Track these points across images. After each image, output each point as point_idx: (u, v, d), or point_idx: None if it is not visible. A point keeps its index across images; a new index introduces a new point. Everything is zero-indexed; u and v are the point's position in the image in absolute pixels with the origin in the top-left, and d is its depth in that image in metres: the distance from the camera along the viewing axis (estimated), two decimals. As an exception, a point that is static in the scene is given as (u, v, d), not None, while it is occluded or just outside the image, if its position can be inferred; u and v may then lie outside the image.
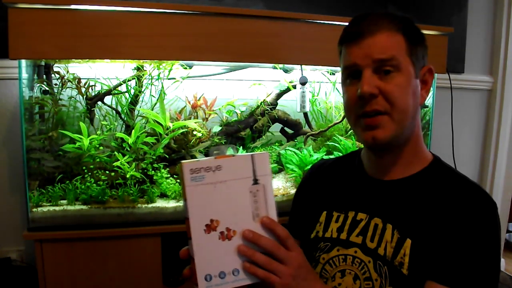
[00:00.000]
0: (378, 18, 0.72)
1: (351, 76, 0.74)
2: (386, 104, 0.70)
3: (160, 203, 1.38)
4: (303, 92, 1.60)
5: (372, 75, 0.70)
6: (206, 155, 1.53)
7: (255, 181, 0.60)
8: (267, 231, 0.60)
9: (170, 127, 1.42)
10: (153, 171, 1.40)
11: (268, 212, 0.61)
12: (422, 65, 0.75)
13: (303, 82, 1.58)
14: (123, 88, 1.46)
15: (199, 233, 0.58)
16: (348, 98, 0.75)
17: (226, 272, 0.58)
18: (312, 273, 0.65)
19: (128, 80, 1.45)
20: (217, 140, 1.55)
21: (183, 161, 0.57)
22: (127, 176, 1.35)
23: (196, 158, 1.50)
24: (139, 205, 1.35)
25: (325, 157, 1.55)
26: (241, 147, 1.59)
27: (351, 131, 1.67)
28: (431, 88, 1.75)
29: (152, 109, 1.47)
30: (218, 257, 0.58)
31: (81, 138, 1.33)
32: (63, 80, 1.40)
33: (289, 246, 0.60)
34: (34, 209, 1.28)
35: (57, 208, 1.29)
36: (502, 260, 2.34)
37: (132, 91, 1.46)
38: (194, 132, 1.49)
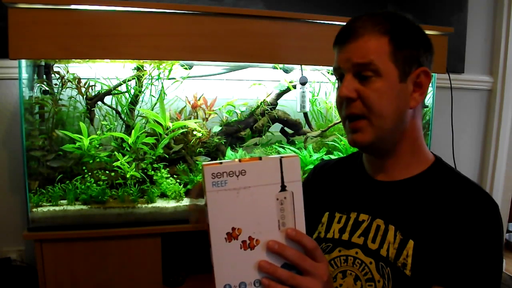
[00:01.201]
0: (366, 21, 0.72)
1: (339, 79, 0.77)
2: (363, 108, 0.71)
3: (160, 203, 1.38)
4: (303, 92, 1.60)
5: (352, 78, 0.72)
6: (207, 154, 1.53)
7: (283, 188, 0.55)
8: (294, 241, 0.56)
9: (170, 127, 1.42)
10: (153, 171, 1.40)
11: (296, 221, 0.56)
12: (413, 69, 0.73)
13: (303, 82, 1.58)
14: (123, 88, 1.46)
15: (219, 241, 0.54)
16: (336, 101, 0.78)
17: (247, 282, 0.55)
18: (332, 286, 0.63)
19: (128, 80, 1.45)
20: (217, 140, 1.55)
21: (205, 163, 0.54)
22: (127, 176, 1.35)
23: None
24: (139, 205, 1.35)
25: (325, 157, 1.55)
26: (240, 148, 1.59)
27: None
28: (430, 90, 1.76)
29: (152, 109, 1.47)
30: (239, 267, 0.55)
31: (81, 138, 1.33)
32: (63, 80, 1.40)
33: (317, 257, 0.57)
34: (34, 209, 1.28)
35: (57, 208, 1.29)
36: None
37: (132, 91, 1.46)
38: (194, 132, 1.49)
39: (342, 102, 0.74)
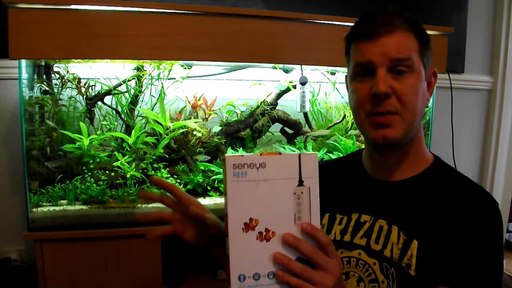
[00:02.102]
0: (393, 17, 0.71)
1: (362, 73, 0.73)
2: (398, 104, 0.70)
3: (160, 203, 1.37)
4: (303, 92, 1.60)
5: (386, 74, 0.70)
6: (207, 154, 1.53)
7: (300, 183, 0.57)
8: (308, 235, 0.57)
9: (170, 127, 1.42)
10: (153, 171, 1.40)
11: (311, 216, 0.58)
12: (429, 67, 0.75)
13: (303, 82, 1.58)
14: (123, 88, 1.46)
15: (237, 231, 0.55)
16: (359, 96, 0.74)
17: (261, 274, 0.56)
18: (344, 285, 0.63)
19: (128, 80, 1.45)
20: (217, 140, 1.55)
21: (226, 154, 0.56)
22: (127, 176, 1.35)
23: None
24: (139, 205, 1.35)
25: (325, 156, 1.55)
26: (241, 147, 1.59)
27: (351, 131, 1.67)
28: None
29: (152, 109, 1.47)
30: (254, 257, 0.56)
31: (81, 138, 1.33)
32: (63, 80, 1.40)
33: (330, 252, 0.58)
34: (34, 209, 1.28)
35: (57, 208, 1.29)
36: (502, 260, 2.33)
37: (132, 91, 1.46)
38: (194, 132, 1.49)
39: (369, 98, 0.71)
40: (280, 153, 0.57)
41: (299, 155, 0.57)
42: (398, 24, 0.71)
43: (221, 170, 1.44)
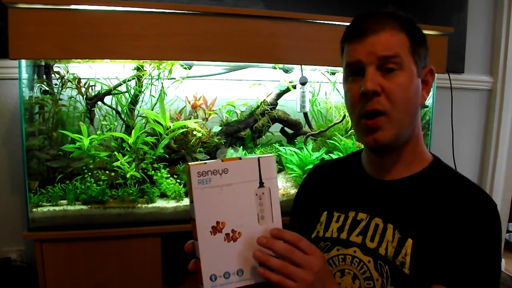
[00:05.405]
0: (382, 17, 0.72)
1: (353, 74, 0.74)
2: (387, 103, 0.70)
3: (160, 203, 1.38)
4: (303, 92, 1.60)
5: (375, 72, 0.70)
6: (207, 154, 1.53)
7: (261, 184, 0.61)
8: (277, 239, 0.60)
9: (170, 127, 1.42)
10: (153, 171, 1.40)
11: (273, 214, 0.62)
12: (423, 65, 0.75)
13: (303, 82, 1.58)
14: (123, 88, 1.46)
15: (205, 234, 0.59)
16: (351, 96, 0.74)
17: (231, 272, 0.60)
18: (331, 278, 0.64)
19: (128, 80, 1.45)
20: (217, 140, 1.55)
21: (190, 163, 0.58)
22: (127, 176, 1.35)
23: (198, 159, 1.50)
24: (139, 205, 1.35)
25: (325, 156, 1.55)
26: (241, 147, 1.59)
27: (351, 131, 1.67)
28: (431, 89, 1.76)
29: (152, 109, 1.47)
30: (223, 258, 0.60)
31: (81, 138, 1.33)
32: (63, 80, 1.40)
33: (304, 249, 0.60)
34: (34, 209, 1.28)
35: (57, 208, 1.29)
36: (502, 260, 2.33)
37: (132, 91, 1.46)
38: (194, 132, 1.49)
39: (360, 98, 0.71)
40: (240, 158, 0.60)
41: (258, 159, 0.61)
42: (385, 23, 0.71)
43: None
